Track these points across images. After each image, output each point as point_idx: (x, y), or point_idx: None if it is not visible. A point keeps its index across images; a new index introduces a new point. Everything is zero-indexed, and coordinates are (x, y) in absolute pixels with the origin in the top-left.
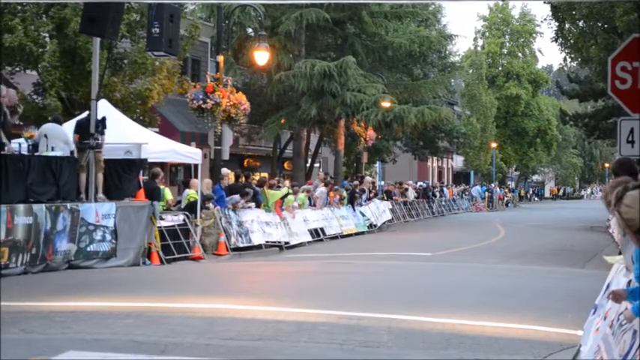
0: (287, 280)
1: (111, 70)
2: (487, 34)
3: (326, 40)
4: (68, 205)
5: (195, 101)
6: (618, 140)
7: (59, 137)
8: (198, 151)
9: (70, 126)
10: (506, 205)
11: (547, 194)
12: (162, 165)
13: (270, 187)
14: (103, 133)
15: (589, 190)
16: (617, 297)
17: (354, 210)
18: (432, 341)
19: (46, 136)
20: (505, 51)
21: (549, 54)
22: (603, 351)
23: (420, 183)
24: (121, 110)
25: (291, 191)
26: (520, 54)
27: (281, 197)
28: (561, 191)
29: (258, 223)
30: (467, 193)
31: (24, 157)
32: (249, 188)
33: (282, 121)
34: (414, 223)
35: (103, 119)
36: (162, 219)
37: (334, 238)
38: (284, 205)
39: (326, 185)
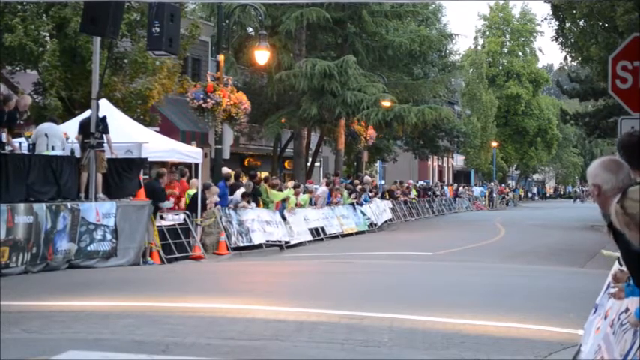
0: (287, 280)
1: (111, 70)
2: (487, 33)
3: (326, 39)
4: (69, 205)
5: (195, 100)
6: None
7: (58, 137)
8: (199, 150)
9: (70, 126)
10: (507, 204)
11: (548, 193)
12: (163, 164)
13: (272, 187)
14: (106, 132)
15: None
16: (616, 293)
17: (355, 209)
18: (433, 341)
19: (46, 135)
20: (505, 50)
21: (550, 53)
22: (604, 350)
23: (420, 182)
24: (121, 110)
25: (293, 192)
26: (520, 53)
27: (282, 199)
28: (561, 190)
29: (258, 223)
30: (460, 197)
31: (25, 157)
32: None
33: (283, 120)
34: (415, 222)
35: (104, 118)
36: (162, 218)
37: (335, 237)
38: (286, 206)
39: (328, 184)
